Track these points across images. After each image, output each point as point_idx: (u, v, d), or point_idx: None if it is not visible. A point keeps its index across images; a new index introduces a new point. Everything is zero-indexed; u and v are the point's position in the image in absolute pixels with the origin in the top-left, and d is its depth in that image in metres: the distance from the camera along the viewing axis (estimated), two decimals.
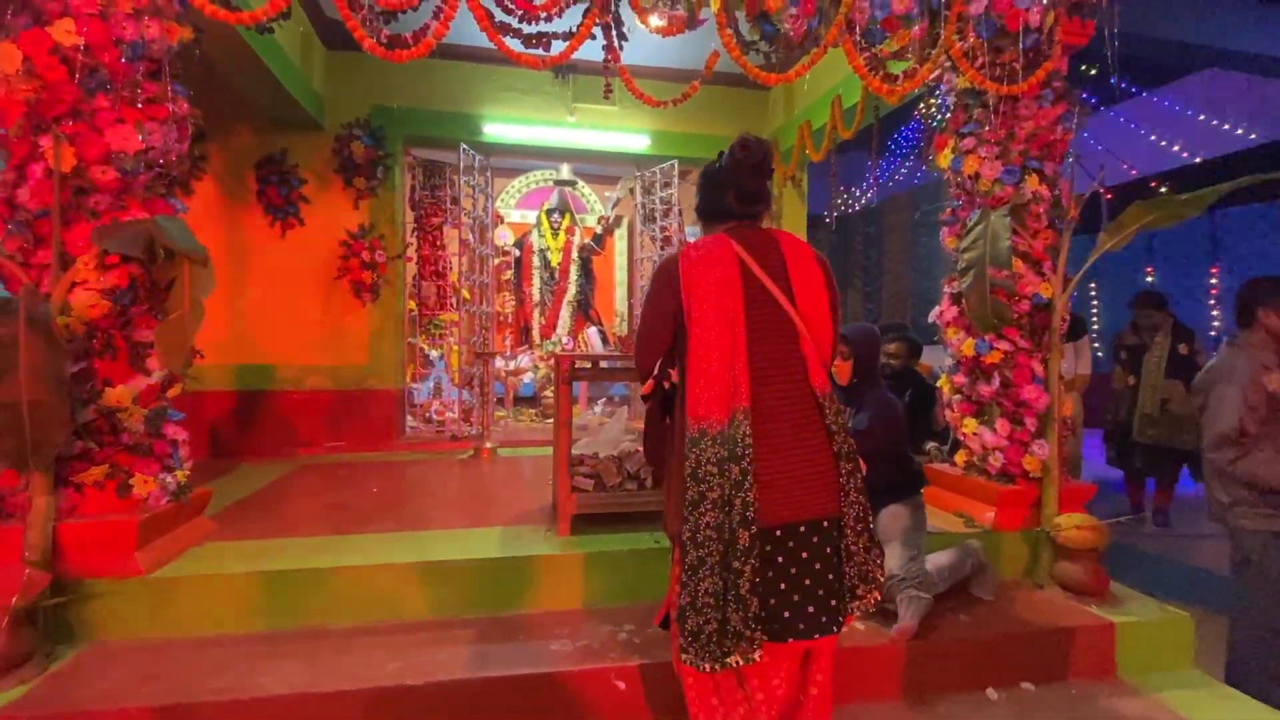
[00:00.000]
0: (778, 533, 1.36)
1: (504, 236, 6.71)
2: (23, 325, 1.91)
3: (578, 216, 7.04)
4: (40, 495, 2.02)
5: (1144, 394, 4.41)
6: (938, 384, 3.26)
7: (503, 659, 2.01)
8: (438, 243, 5.38)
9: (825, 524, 1.39)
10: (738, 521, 1.32)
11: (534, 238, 6.91)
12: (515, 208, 7.15)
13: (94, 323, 2.16)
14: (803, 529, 1.37)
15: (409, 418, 5.13)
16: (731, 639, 1.31)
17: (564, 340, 6.66)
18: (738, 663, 1.32)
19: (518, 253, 6.93)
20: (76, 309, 2.11)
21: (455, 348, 5.90)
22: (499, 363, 5.91)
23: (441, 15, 2.33)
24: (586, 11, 2.45)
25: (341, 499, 3.29)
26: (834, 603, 1.38)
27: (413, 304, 5.42)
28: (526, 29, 2.48)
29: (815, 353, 1.43)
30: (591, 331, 6.70)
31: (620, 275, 7.39)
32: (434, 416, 5.36)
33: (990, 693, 2.16)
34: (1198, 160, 7.38)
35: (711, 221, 1.56)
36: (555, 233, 6.78)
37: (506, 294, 6.78)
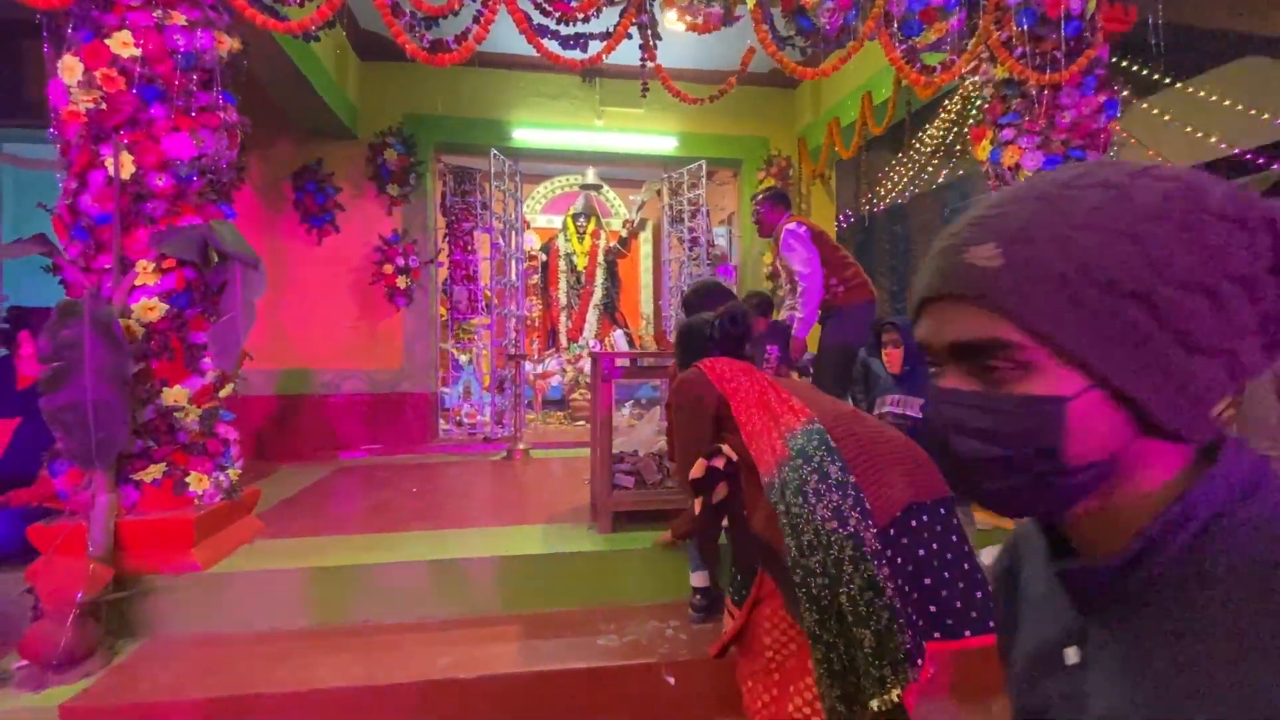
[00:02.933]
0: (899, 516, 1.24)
1: (530, 241, 6.77)
2: (88, 327, 1.98)
3: (603, 221, 7.08)
4: (104, 492, 2.08)
5: None
6: None
7: (551, 654, 2.02)
8: (468, 247, 5.45)
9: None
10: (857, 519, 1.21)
11: (560, 242, 6.97)
12: (541, 213, 7.21)
13: (152, 325, 2.22)
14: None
15: (440, 421, 5.19)
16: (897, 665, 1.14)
17: (590, 343, 6.69)
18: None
19: (544, 257, 6.98)
20: (136, 311, 2.17)
21: (485, 351, 5.96)
22: (526, 366, 5.96)
23: (482, 19, 2.37)
24: (623, 12, 2.47)
25: (383, 499, 3.33)
26: (979, 594, 1.23)
27: (443, 309, 5.49)
28: (564, 30, 2.51)
29: None
30: (618, 334, 6.72)
31: (645, 278, 7.42)
32: (464, 420, 5.41)
33: None
34: (1235, 151, 7.19)
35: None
36: (581, 237, 6.82)
37: (534, 298, 6.83)
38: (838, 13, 2.54)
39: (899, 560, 1.21)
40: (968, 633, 1.21)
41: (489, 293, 5.50)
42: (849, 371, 2.93)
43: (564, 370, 6.52)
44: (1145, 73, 5.06)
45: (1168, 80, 5.97)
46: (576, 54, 2.53)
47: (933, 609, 1.22)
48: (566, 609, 2.31)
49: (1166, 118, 6.66)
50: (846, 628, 1.17)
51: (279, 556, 2.38)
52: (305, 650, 2.04)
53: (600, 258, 6.87)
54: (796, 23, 2.61)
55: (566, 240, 6.90)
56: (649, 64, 2.60)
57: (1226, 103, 6.65)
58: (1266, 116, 6.53)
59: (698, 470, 1.42)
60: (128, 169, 2.15)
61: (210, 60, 2.36)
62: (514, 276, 5.06)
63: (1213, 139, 6.97)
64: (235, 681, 1.86)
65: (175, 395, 2.24)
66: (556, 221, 7.20)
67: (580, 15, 2.44)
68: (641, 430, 3.89)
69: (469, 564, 2.33)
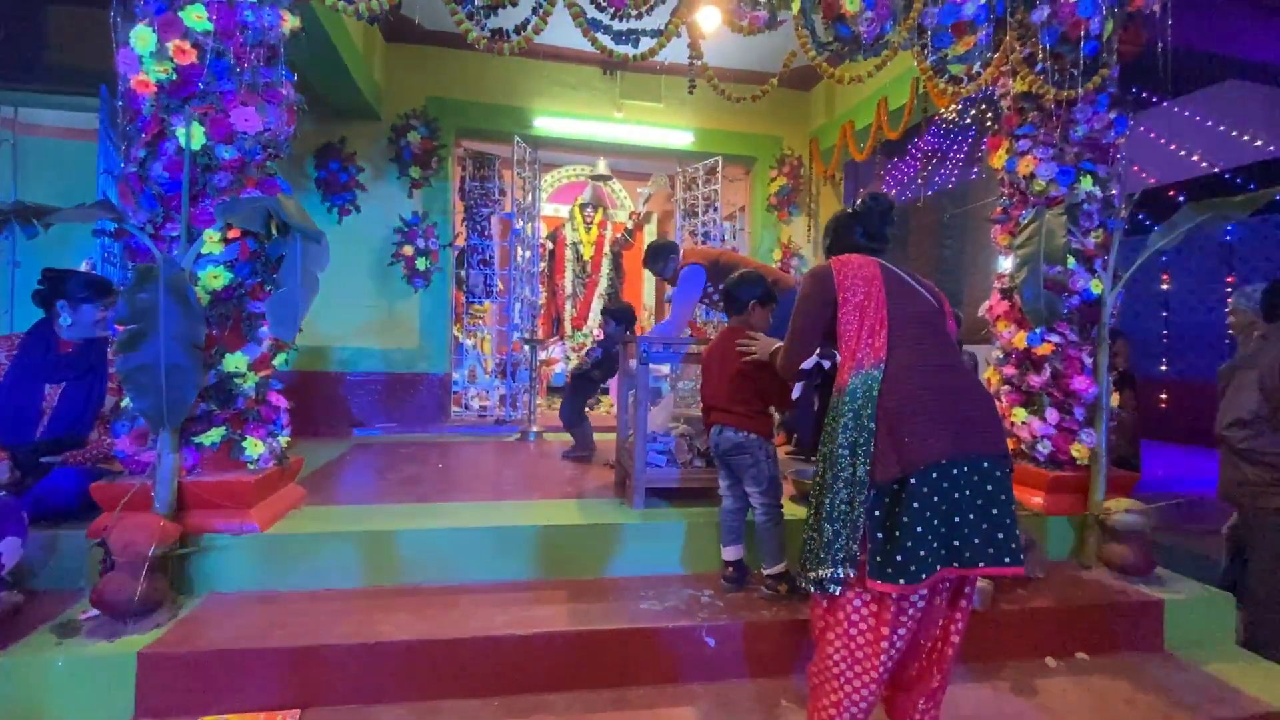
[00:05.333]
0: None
1: (539, 229, 6.85)
2: (163, 292, 2.05)
3: (609, 212, 7.18)
4: (170, 452, 2.15)
5: None
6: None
7: (599, 615, 2.14)
8: (485, 233, 5.52)
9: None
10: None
11: (567, 231, 7.05)
12: (548, 201, 7.28)
13: (216, 292, 2.29)
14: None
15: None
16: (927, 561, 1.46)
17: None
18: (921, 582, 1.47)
19: (551, 245, 7.06)
20: (202, 279, 2.24)
21: (487, 336, 6.04)
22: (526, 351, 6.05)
23: (540, 11, 2.46)
24: (675, 10, 2.58)
25: (411, 473, 3.42)
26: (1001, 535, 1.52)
27: (459, 293, 5.55)
28: (616, 26, 2.61)
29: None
30: None
31: None
32: (471, 403, 5.49)
33: (1049, 661, 2.30)
34: (1216, 170, 7.54)
35: (840, 254, 1.83)
36: (588, 226, 6.92)
37: (540, 286, 6.92)
38: (876, 22, 2.68)
39: (934, 499, 1.48)
40: (982, 564, 1.50)
41: (501, 278, 5.59)
42: None
43: (568, 357, 6.62)
44: (1139, 92, 5.29)
45: (1155, 100, 6.25)
46: (628, 49, 2.63)
47: (956, 543, 1.49)
48: (608, 577, 2.44)
49: (1153, 135, 6.95)
50: (820, 520, 1.56)
51: (328, 521, 2.47)
52: (364, 609, 2.14)
53: (606, 248, 6.97)
54: (835, 30, 2.75)
55: (574, 229, 6.99)
56: (696, 62, 2.72)
57: (1209, 124, 6.96)
58: (1246, 138, 6.86)
59: (808, 363, 1.75)
60: (198, 140, 2.22)
61: (274, 36, 2.43)
62: (527, 262, 5.15)
63: (1195, 158, 7.29)
64: (302, 633, 1.96)
65: (236, 362, 2.31)
66: (562, 210, 7.28)
67: (634, 12, 2.55)
68: (655, 415, 4.03)
69: (514, 532, 2.45)
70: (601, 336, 3.98)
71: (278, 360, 2.51)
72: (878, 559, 1.47)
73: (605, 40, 2.61)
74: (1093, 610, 2.41)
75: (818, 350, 1.78)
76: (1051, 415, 2.94)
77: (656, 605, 2.24)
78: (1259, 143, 7.06)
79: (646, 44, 2.64)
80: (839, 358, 1.67)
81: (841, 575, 1.51)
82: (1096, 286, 2.92)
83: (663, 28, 2.59)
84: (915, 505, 1.47)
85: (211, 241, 2.24)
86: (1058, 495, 2.92)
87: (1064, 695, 2.08)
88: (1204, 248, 8.83)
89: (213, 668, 1.85)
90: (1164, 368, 9.18)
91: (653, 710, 1.91)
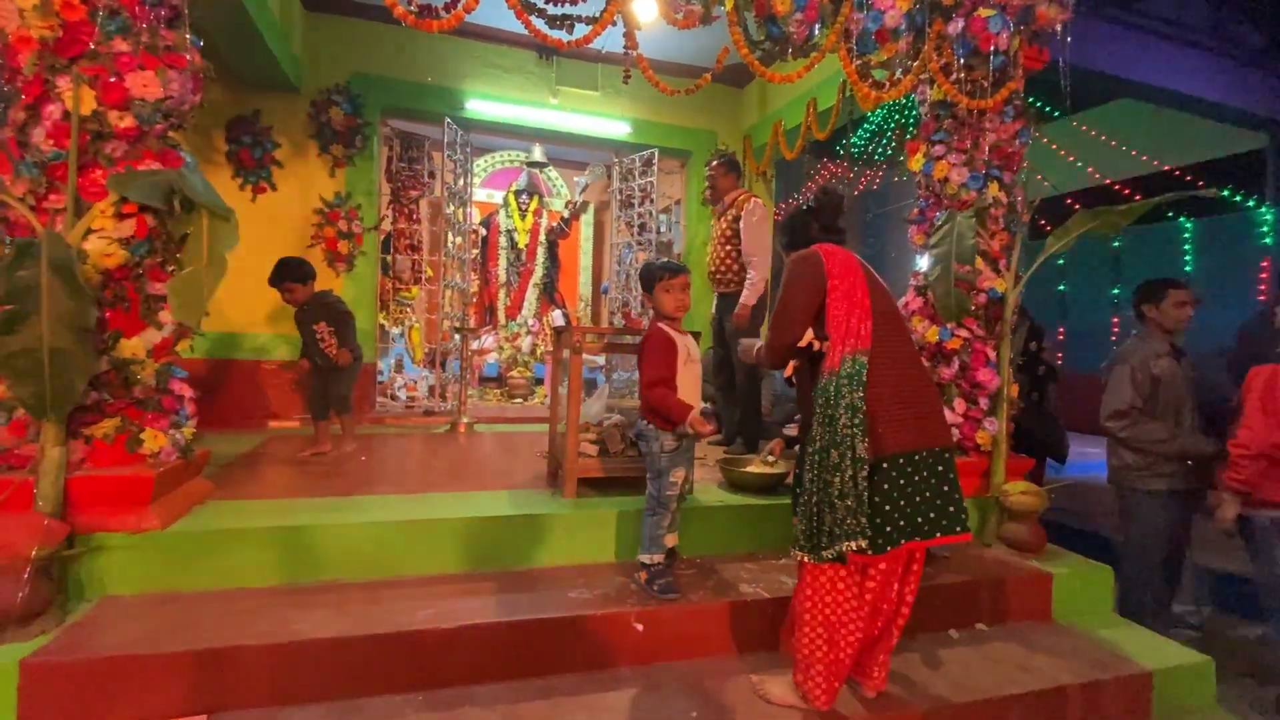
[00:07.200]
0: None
1: (470, 215, 6.67)
2: (45, 269, 1.87)
3: (545, 200, 7.08)
4: (54, 445, 1.97)
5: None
6: None
7: (527, 606, 2.13)
8: (414, 217, 5.32)
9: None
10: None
11: (501, 218, 6.91)
12: (480, 186, 7.10)
13: (109, 272, 2.11)
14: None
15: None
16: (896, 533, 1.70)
17: (529, 322, 6.71)
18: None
19: (484, 232, 6.90)
20: (92, 257, 2.06)
21: (416, 325, 5.85)
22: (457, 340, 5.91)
23: None
24: None
25: (331, 466, 3.28)
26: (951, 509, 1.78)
27: (385, 278, 5.34)
28: (551, 10, 2.57)
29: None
30: (556, 315, 6.78)
31: (585, 260, 7.49)
32: (398, 394, 5.31)
33: (952, 633, 2.47)
34: (1107, 182, 8.23)
35: (800, 248, 1.97)
36: (523, 214, 6.80)
37: (472, 274, 6.75)
38: (805, 24, 2.76)
39: (900, 481, 1.69)
40: (938, 534, 1.74)
41: (429, 265, 5.41)
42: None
43: (501, 347, 6.51)
44: (1040, 105, 5.69)
45: (1056, 114, 6.76)
46: (563, 35, 2.60)
47: (918, 520, 1.73)
48: (538, 567, 2.43)
49: (1054, 147, 7.51)
50: (833, 497, 1.69)
51: (240, 516, 2.34)
52: (279, 607, 2.04)
53: (542, 236, 6.88)
54: (767, 28, 2.81)
55: (508, 216, 6.85)
56: (631, 52, 2.71)
57: (1103, 138, 7.58)
58: (1135, 153, 7.51)
59: (803, 341, 1.84)
60: (88, 104, 2.03)
61: None
62: (459, 249, 5.01)
63: (1090, 169, 7.92)
64: (208, 635, 1.85)
65: (133, 347, 2.14)
66: (496, 196, 7.13)
67: None
68: (590, 406, 4.04)
69: (440, 525, 2.39)
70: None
71: (181, 347, 2.34)
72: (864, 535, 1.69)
73: (539, 24, 2.57)
74: (991, 585, 2.60)
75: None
76: (959, 405, 3.15)
77: (587, 593, 2.25)
78: (1144, 158, 7.77)
79: (581, 30, 2.61)
80: (829, 340, 1.78)
81: (857, 547, 1.67)
82: (1000, 286, 3.13)
83: (598, 15, 2.57)
84: (886, 486, 1.70)
85: (103, 216, 2.06)
86: (963, 479, 3.08)
87: (965, 664, 2.24)
88: (1095, 255, 9.63)
89: (107, 675, 1.72)
90: (1059, 363, 9.97)
91: (580, 697, 1.92)
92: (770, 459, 2.97)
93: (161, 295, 2.23)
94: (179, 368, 2.40)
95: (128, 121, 2.11)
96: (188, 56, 2.27)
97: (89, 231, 2.06)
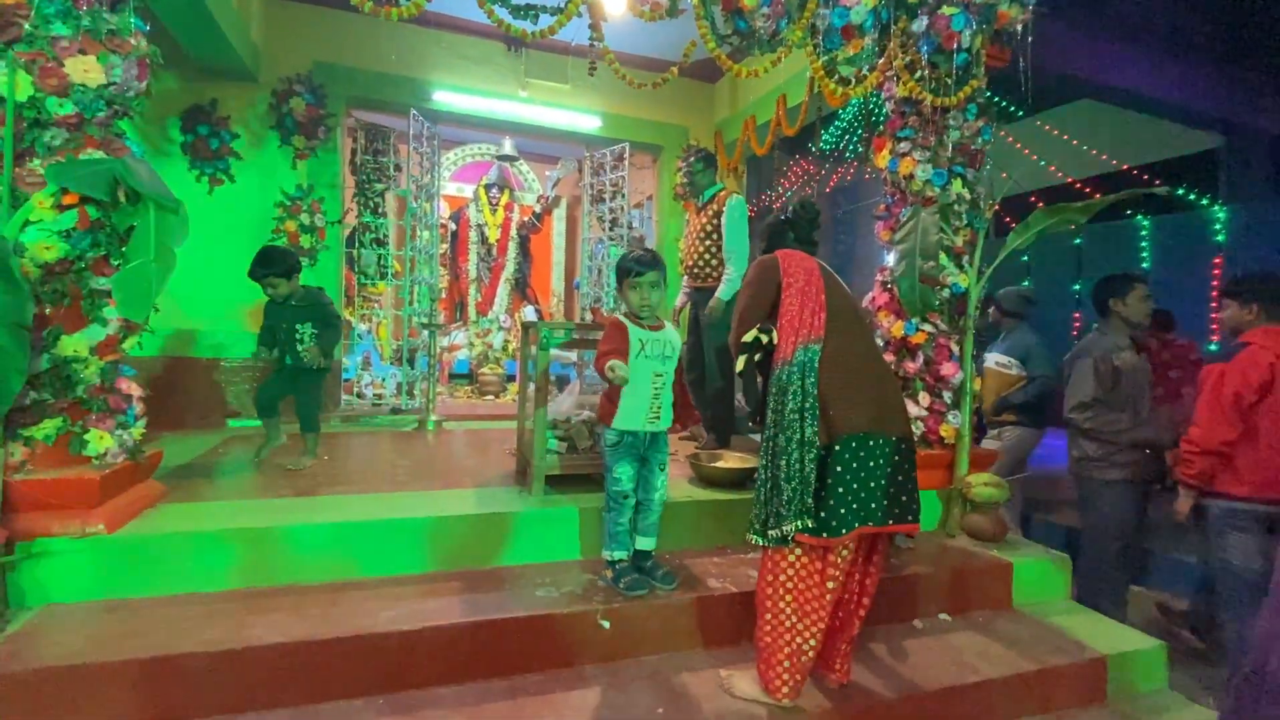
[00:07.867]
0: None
1: (439, 209, 6.56)
2: None
3: (516, 194, 7.00)
4: None
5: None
6: None
7: (492, 605, 2.11)
8: (380, 210, 5.20)
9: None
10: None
11: (471, 212, 6.80)
12: (451, 180, 6.99)
13: (48, 265, 2.02)
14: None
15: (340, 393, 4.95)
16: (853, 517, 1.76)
17: (501, 318, 6.64)
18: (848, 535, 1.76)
19: (454, 226, 6.79)
20: (30, 250, 1.97)
21: (384, 321, 5.74)
22: (426, 336, 5.81)
23: None
24: None
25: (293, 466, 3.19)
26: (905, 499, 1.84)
27: (350, 273, 5.22)
28: (515, 0, 2.53)
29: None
30: (529, 310, 6.71)
31: (558, 255, 7.43)
32: (365, 391, 5.20)
33: (916, 623, 2.51)
34: (1068, 180, 8.44)
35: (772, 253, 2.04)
36: (494, 209, 6.71)
37: (441, 268, 6.64)
38: (772, 19, 2.76)
39: (854, 464, 1.75)
40: (890, 523, 1.80)
41: (396, 260, 5.31)
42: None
43: (471, 344, 6.42)
44: (1003, 104, 5.79)
45: (1020, 113, 6.90)
46: (527, 25, 2.56)
47: (872, 505, 1.78)
48: (504, 566, 2.40)
49: (1018, 145, 7.66)
50: (780, 480, 1.75)
51: (193, 519, 2.26)
52: (234, 612, 1.98)
53: (513, 231, 6.80)
54: (734, 22, 2.80)
55: (479, 211, 6.75)
56: (597, 44, 2.68)
57: (1065, 138, 7.76)
58: (1095, 152, 7.71)
59: (748, 336, 1.91)
60: (25, 90, 1.93)
61: None
62: (427, 243, 4.92)
63: (1052, 168, 8.11)
64: (158, 642, 1.79)
65: (74, 345, 2.06)
66: (465, 190, 7.02)
67: None
68: (561, 402, 4.01)
69: (405, 524, 2.35)
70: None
71: (128, 344, 2.26)
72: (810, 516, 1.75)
73: (502, 13, 2.52)
74: (954, 575, 2.65)
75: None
76: (924, 399, 3.20)
77: (553, 591, 2.23)
78: (1104, 157, 7.98)
79: (546, 21, 2.57)
80: (777, 334, 1.86)
81: (801, 526, 1.73)
82: (963, 281, 3.18)
83: (563, 5, 2.54)
84: (839, 469, 1.75)
85: (41, 208, 1.97)
86: (927, 471, 3.17)
87: (928, 654, 2.27)
88: (1059, 251, 9.86)
89: (50, 686, 1.65)
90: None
91: (546, 696, 1.90)
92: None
93: (106, 290, 2.14)
94: (128, 365, 2.32)
95: (68, 109, 2.02)
96: (132, 41, 2.18)
97: (26, 223, 1.97)
